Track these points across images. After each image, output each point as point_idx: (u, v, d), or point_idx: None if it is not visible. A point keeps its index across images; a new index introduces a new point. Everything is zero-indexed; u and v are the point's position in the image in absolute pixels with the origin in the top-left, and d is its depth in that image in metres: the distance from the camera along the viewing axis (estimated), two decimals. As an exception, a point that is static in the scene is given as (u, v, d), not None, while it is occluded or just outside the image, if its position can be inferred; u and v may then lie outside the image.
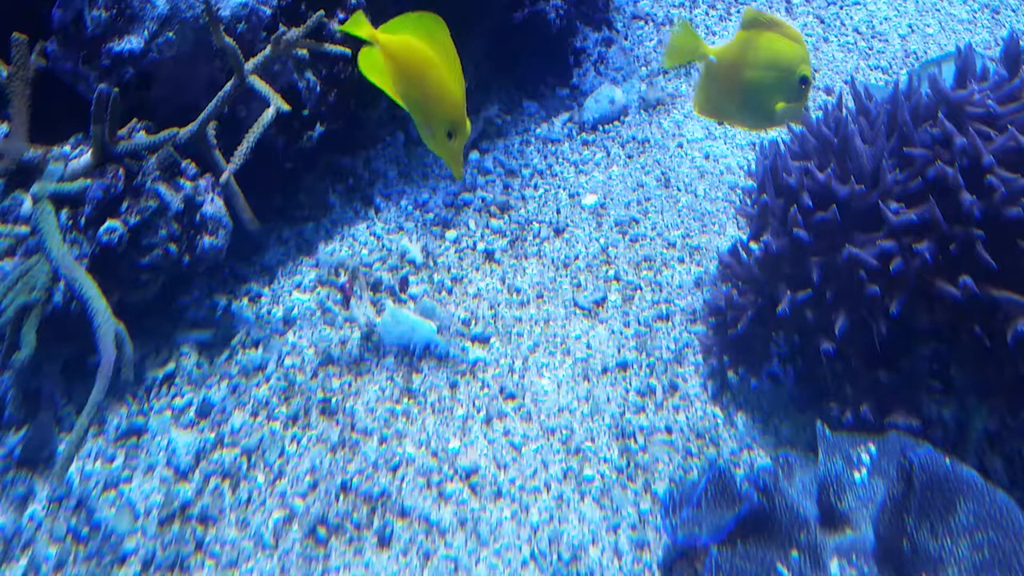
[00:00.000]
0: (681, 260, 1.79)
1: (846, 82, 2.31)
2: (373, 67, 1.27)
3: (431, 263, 1.78)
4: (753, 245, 1.42)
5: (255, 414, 1.47)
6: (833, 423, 1.26)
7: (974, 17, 2.62)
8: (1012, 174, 1.16)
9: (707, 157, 2.08)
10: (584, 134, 2.18)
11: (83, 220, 1.43)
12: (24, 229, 1.43)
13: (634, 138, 2.15)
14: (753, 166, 1.43)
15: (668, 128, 2.18)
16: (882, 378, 1.28)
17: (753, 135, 2.14)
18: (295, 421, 1.45)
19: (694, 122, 2.20)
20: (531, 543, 1.27)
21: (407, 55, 1.26)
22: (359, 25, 1.28)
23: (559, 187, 2.01)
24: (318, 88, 1.77)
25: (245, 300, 1.69)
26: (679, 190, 1.98)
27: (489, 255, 1.81)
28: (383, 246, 1.82)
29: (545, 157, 2.11)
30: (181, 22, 1.56)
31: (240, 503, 1.33)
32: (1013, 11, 2.63)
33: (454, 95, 1.25)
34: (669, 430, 1.43)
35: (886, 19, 2.62)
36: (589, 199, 1.97)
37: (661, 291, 1.72)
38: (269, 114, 1.52)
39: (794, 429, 1.42)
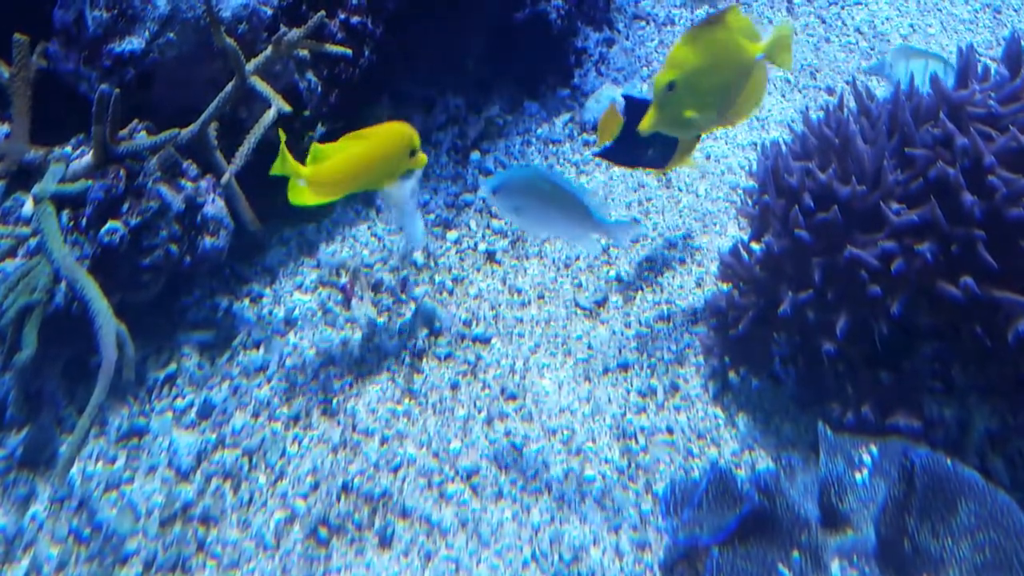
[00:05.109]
0: (682, 260, 1.79)
1: (847, 82, 2.31)
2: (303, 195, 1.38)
3: (432, 264, 1.78)
4: (754, 245, 1.42)
5: (256, 415, 1.47)
6: (834, 423, 1.26)
7: (976, 17, 2.61)
8: (1013, 174, 1.16)
9: (708, 157, 2.08)
10: (585, 134, 2.18)
11: (84, 221, 1.43)
12: (25, 230, 1.43)
13: (635, 138, 2.15)
14: (754, 166, 1.43)
15: (669, 128, 2.18)
16: (883, 378, 1.28)
17: (755, 135, 2.14)
18: (296, 422, 1.45)
19: (695, 122, 2.20)
20: (532, 544, 1.27)
21: (342, 167, 1.37)
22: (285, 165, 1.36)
23: (560, 187, 2.01)
24: (319, 89, 1.77)
25: (246, 301, 1.69)
26: (680, 190, 1.98)
27: (490, 256, 1.81)
28: (384, 247, 1.82)
29: (546, 157, 2.11)
30: (182, 23, 1.56)
31: (241, 504, 1.33)
32: (1015, 11, 2.63)
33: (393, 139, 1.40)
34: (670, 430, 1.43)
35: (887, 19, 2.61)
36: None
37: (662, 291, 1.71)
38: (270, 115, 1.52)
39: (796, 429, 1.42)
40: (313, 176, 1.35)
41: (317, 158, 1.36)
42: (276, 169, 1.35)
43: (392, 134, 1.40)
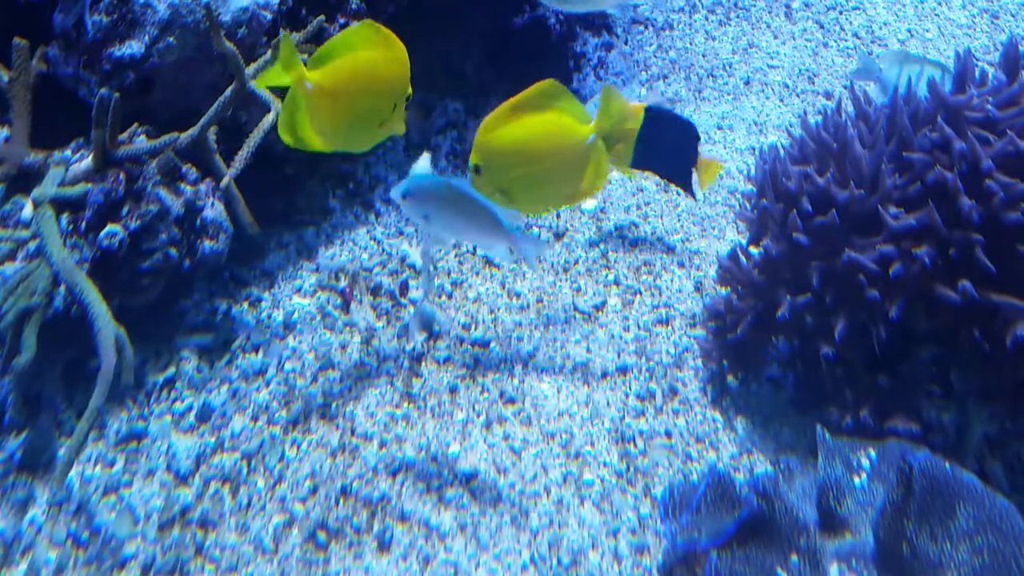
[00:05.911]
0: (681, 264, 1.79)
1: (846, 87, 2.32)
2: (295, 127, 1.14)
3: (431, 268, 1.78)
4: (753, 249, 1.42)
5: (255, 418, 1.47)
6: (833, 427, 1.26)
7: (973, 22, 2.62)
8: (1011, 179, 1.16)
9: (707, 162, 2.08)
10: (584, 139, 2.18)
11: (84, 225, 1.44)
12: (25, 233, 1.43)
13: (634, 143, 2.16)
14: (753, 171, 1.44)
15: (668, 133, 2.18)
16: (882, 382, 1.28)
17: (753, 140, 2.15)
18: (295, 426, 1.45)
19: (694, 127, 2.20)
20: (531, 547, 1.27)
21: (344, 77, 1.14)
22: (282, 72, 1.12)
23: (559, 191, 2.01)
24: (318, 93, 1.77)
25: (245, 304, 1.69)
26: (679, 195, 1.98)
27: (489, 260, 1.81)
28: (383, 251, 1.83)
29: (545, 162, 2.11)
30: (182, 27, 1.56)
31: (240, 507, 1.33)
32: (1012, 16, 2.64)
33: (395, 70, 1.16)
34: (669, 434, 1.43)
35: (885, 24, 2.62)
36: (589, 204, 1.97)
37: (661, 295, 1.72)
38: (270, 119, 1.52)
39: (794, 433, 1.42)
40: (322, 80, 1.11)
41: (320, 59, 1.12)
42: (270, 78, 1.11)
43: (393, 41, 1.16)
